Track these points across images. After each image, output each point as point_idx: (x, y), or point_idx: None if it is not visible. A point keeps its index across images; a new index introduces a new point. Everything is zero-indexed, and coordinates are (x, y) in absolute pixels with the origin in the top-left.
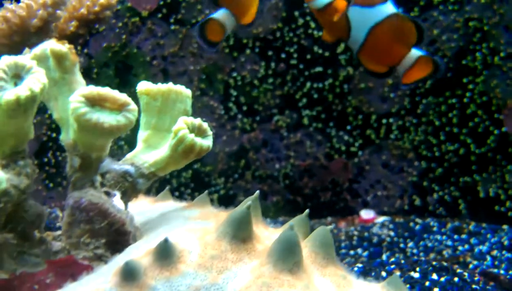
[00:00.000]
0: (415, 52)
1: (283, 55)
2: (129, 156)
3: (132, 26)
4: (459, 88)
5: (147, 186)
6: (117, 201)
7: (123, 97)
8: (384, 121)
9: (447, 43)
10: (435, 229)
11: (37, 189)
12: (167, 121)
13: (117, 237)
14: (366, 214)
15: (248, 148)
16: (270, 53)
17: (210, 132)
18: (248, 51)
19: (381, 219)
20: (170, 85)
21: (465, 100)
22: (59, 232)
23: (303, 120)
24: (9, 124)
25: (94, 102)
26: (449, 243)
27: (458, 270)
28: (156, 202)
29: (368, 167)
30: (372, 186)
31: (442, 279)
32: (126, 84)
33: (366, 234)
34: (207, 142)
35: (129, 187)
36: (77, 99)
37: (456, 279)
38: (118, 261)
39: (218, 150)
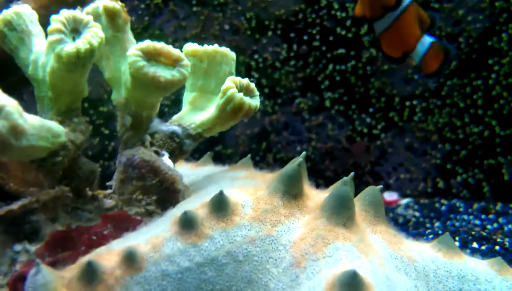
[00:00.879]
0: (427, 38)
1: (305, 37)
2: (176, 117)
3: (154, 8)
4: (484, 69)
5: (193, 147)
6: (166, 160)
7: (177, 52)
8: (407, 103)
9: (472, 24)
10: (461, 209)
11: None
12: (213, 83)
13: (168, 194)
14: (389, 196)
15: (269, 130)
16: (292, 35)
17: (257, 93)
18: (270, 33)
19: (405, 200)
20: (215, 47)
21: (490, 81)
22: (109, 191)
23: (325, 102)
24: (67, 79)
25: (150, 56)
26: (477, 222)
27: (498, 240)
28: (197, 166)
29: (391, 150)
30: (395, 168)
31: (483, 247)
32: None
33: (391, 214)
34: (255, 102)
35: (176, 148)
36: (135, 53)
37: (497, 247)
38: (174, 213)
39: (239, 133)
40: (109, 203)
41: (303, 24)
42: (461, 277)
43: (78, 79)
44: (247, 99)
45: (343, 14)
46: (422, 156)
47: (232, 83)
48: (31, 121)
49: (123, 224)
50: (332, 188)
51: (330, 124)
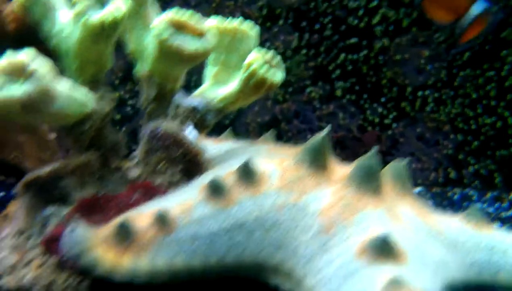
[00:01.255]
0: (477, 7)
1: (317, 26)
2: (198, 91)
3: None
4: (497, 61)
5: (215, 121)
6: (190, 133)
7: (202, 24)
8: (419, 93)
9: None
10: (474, 198)
11: None
12: (235, 58)
13: (191, 166)
14: None
15: (280, 118)
16: (303, 24)
17: (281, 67)
18: (281, 21)
19: (416, 189)
20: (239, 22)
21: (503, 73)
22: (133, 162)
23: (336, 92)
24: (92, 50)
25: (175, 27)
26: (491, 210)
27: None
28: (219, 141)
29: (402, 139)
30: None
31: (504, 227)
32: None
33: None
34: (278, 76)
35: (198, 122)
36: (160, 23)
37: None
38: (201, 181)
39: (250, 120)
40: (133, 173)
41: (314, 13)
42: (490, 248)
43: (103, 50)
44: (270, 74)
45: (355, 4)
46: (433, 146)
47: (255, 57)
48: (62, 87)
49: (149, 193)
50: (358, 160)
51: (341, 114)
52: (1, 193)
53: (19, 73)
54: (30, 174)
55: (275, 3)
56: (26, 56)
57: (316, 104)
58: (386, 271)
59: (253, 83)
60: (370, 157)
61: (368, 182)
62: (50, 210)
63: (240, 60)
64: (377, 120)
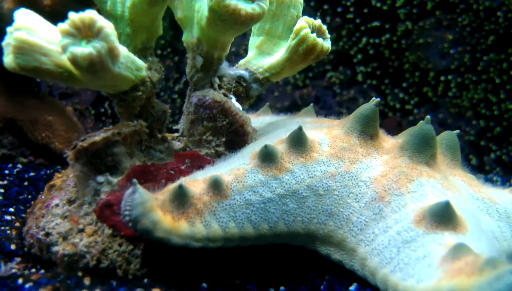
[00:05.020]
0: None
1: (339, 9)
2: (242, 61)
3: None
4: None
5: (259, 92)
6: (235, 103)
7: None
8: (442, 78)
9: None
10: (499, 183)
11: None
12: (280, 27)
13: (236, 136)
14: None
15: (300, 104)
16: (325, 6)
17: (328, 35)
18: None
19: None
20: None
21: None
22: (177, 134)
23: (357, 76)
24: (147, 13)
25: None
26: None
27: None
28: (258, 116)
29: None
30: None
31: None
32: (179, 36)
33: None
34: (327, 43)
35: (243, 92)
36: None
37: None
38: (252, 148)
39: (270, 106)
40: (177, 144)
41: None
42: None
43: (157, 14)
44: (320, 40)
45: None
46: None
47: (305, 23)
48: (122, 48)
49: (196, 162)
50: (410, 129)
51: (361, 99)
52: (31, 173)
53: (85, 31)
54: (83, 141)
55: None
56: (93, 13)
57: (336, 90)
58: (448, 237)
59: (303, 50)
60: (426, 122)
61: (423, 150)
62: (102, 178)
63: (285, 28)
64: (398, 106)
